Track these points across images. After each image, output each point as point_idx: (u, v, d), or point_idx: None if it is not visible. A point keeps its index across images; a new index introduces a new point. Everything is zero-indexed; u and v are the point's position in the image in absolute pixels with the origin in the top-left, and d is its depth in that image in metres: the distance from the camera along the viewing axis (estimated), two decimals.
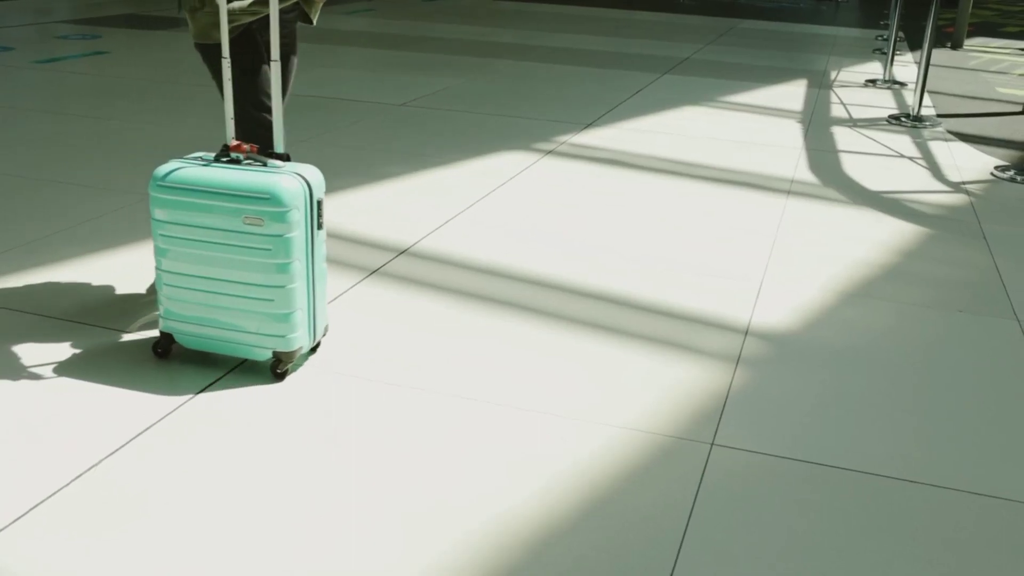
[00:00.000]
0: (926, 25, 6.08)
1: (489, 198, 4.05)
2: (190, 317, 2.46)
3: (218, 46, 2.57)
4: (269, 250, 2.34)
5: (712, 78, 7.34)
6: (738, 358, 2.70)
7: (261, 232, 2.33)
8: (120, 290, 2.97)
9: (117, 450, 2.12)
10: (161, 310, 2.50)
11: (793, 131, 5.62)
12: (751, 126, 5.70)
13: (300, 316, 2.43)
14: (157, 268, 2.45)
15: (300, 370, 2.51)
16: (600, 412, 2.38)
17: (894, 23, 7.64)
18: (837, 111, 6.30)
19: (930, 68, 6.33)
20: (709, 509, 2.01)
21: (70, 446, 2.13)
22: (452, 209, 3.88)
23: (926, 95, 6.87)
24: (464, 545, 1.87)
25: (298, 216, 2.34)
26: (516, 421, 2.32)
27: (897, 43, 8.14)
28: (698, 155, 4.95)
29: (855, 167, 4.86)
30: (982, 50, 9.92)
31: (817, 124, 5.85)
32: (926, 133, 5.75)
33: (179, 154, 4.51)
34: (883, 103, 6.65)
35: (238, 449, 2.15)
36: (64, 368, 2.48)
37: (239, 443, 2.17)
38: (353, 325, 2.80)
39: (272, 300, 2.38)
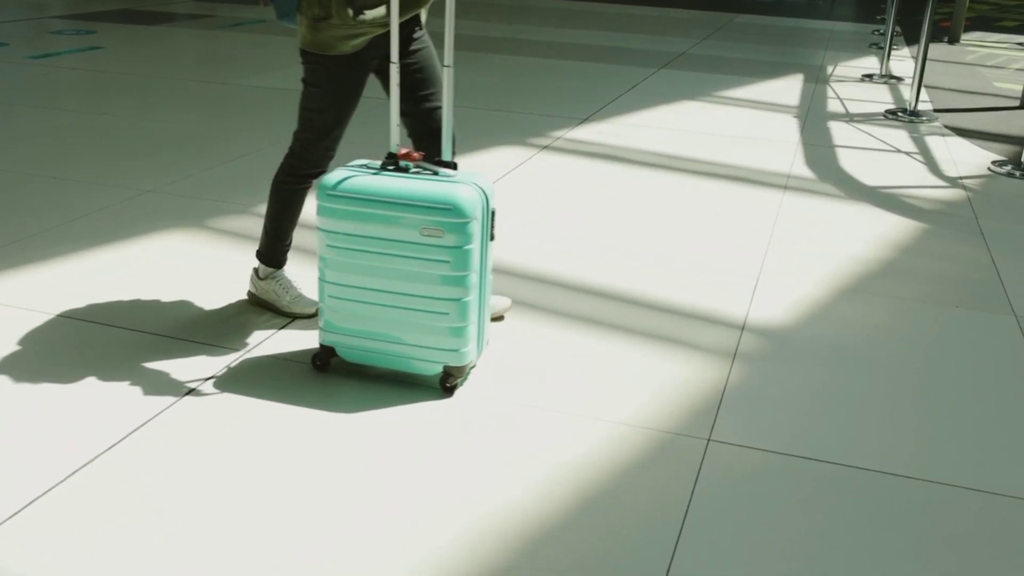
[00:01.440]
0: (923, 19, 6.08)
1: None
2: (354, 330, 2.37)
3: (336, 58, 2.45)
4: (447, 262, 2.25)
5: (708, 73, 7.33)
6: (734, 354, 2.69)
7: (439, 244, 2.23)
8: (116, 286, 2.96)
9: (113, 446, 2.11)
10: (322, 322, 2.41)
11: (790, 126, 5.62)
12: (747, 121, 5.70)
13: (472, 330, 2.35)
14: (321, 279, 2.37)
15: (297, 365, 2.50)
16: (596, 408, 2.37)
17: (891, 18, 7.63)
18: (834, 106, 6.29)
19: (927, 63, 6.33)
20: (706, 505, 2.00)
21: (67, 443, 2.12)
22: None
23: (923, 90, 6.87)
24: (461, 541, 1.86)
25: (477, 227, 2.25)
26: (513, 417, 2.31)
27: (894, 38, 8.13)
28: (694, 150, 4.94)
29: (852, 162, 4.85)
30: (979, 45, 9.92)
31: (813, 119, 5.84)
32: (923, 128, 5.75)
33: (177, 151, 4.52)
34: (880, 98, 6.64)
35: (236, 448, 2.15)
36: (57, 365, 2.46)
37: (238, 442, 2.17)
38: None
39: (447, 313, 2.29)
